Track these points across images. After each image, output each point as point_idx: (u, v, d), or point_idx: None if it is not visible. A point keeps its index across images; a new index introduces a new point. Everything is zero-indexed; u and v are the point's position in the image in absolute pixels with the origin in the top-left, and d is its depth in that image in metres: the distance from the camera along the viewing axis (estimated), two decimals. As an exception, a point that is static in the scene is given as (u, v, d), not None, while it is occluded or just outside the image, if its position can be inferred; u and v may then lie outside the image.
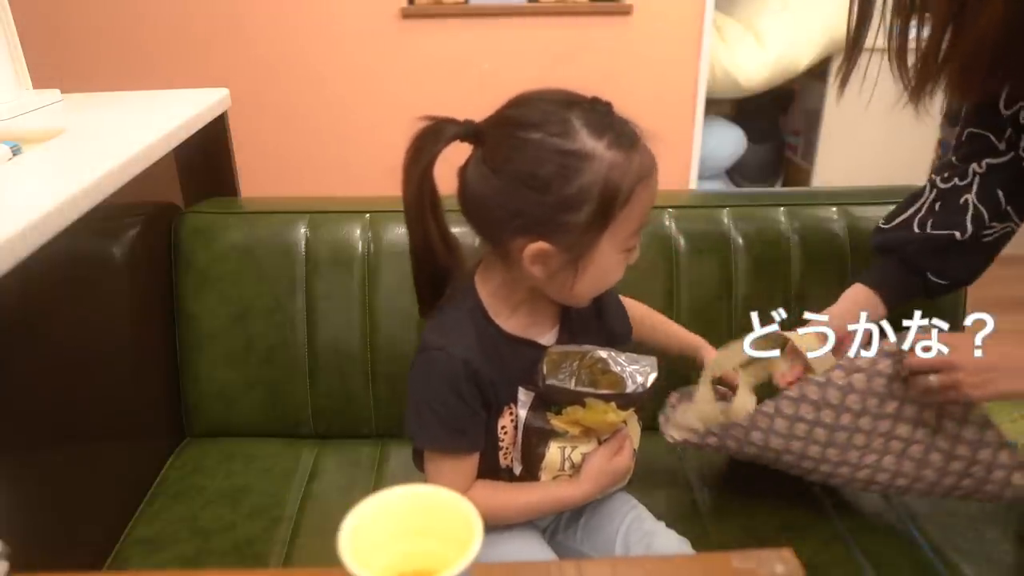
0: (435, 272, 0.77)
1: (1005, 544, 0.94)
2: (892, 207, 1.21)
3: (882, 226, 1.00)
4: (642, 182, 0.69)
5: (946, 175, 0.94)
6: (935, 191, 0.95)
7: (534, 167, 0.67)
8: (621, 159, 0.67)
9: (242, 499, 1.04)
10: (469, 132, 0.70)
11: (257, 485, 1.07)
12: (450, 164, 0.72)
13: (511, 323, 0.79)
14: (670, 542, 0.85)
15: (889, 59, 0.76)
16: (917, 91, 0.75)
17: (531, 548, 0.84)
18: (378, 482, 1.09)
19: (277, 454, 1.13)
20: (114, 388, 1.02)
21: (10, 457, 0.80)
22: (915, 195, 0.98)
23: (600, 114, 0.68)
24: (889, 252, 0.98)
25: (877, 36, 0.77)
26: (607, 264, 0.72)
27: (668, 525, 0.88)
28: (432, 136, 0.69)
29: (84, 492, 0.94)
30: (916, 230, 0.95)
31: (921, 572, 0.91)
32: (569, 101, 0.69)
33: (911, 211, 0.97)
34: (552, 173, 0.66)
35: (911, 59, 0.75)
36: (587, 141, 0.66)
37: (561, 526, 0.91)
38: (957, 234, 0.92)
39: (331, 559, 0.41)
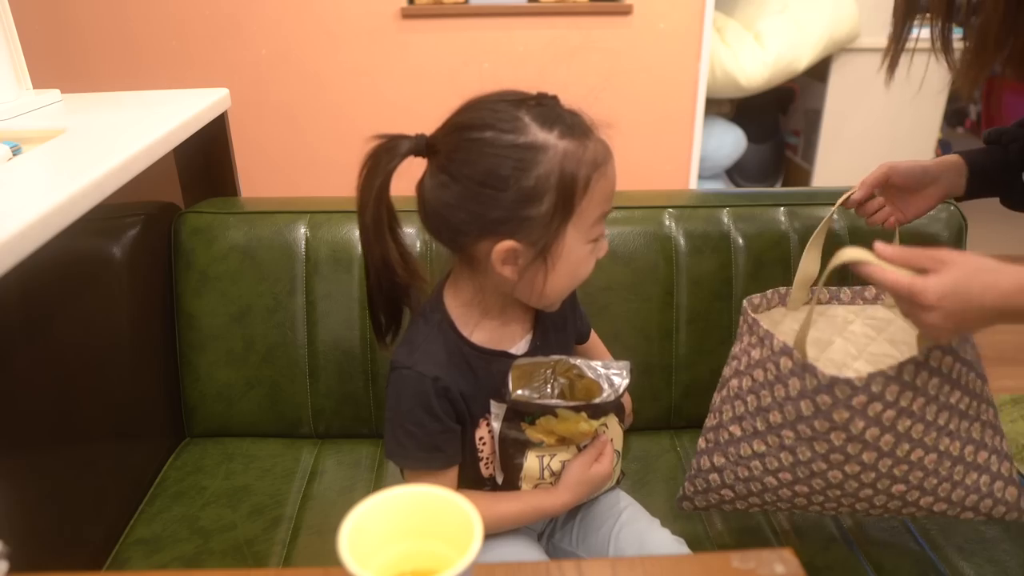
0: (393, 294, 0.77)
1: (1005, 544, 0.94)
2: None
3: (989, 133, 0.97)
4: (598, 169, 0.69)
5: None
6: None
7: (490, 166, 0.67)
8: (574, 148, 0.68)
9: (242, 499, 1.04)
10: (422, 145, 0.70)
11: (257, 485, 1.07)
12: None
13: (481, 335, 0.78)
14: (663, 540, 0.84)
15: (934, 50, 0.75)
16: (970, 77, 0.73)
17: (525, 551, 0.84)
18: (378, 482, 1.09)
19: (277, 454, 1.14)
20: (114, 388, 1.02)
21: (10, 457, 0.80)
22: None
23: (548, 108, 0.69)
24: (997, 142, 0.94)
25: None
26: (576, 257, 0.72)
27: (668, 525, 0.88)
28: (386, 154, 0.69)
29: (84, 492, 0.94)
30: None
31: (921, 572, 0.91)
32: (516, 99, 0.69)
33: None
34: (509, 168, 0.66)
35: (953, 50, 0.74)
36: (538, 134, 0.67)
37: (557, 528, 0.91)
38: None
39: (331, 559, 0.42)
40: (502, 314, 0.79)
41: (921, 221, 1.18)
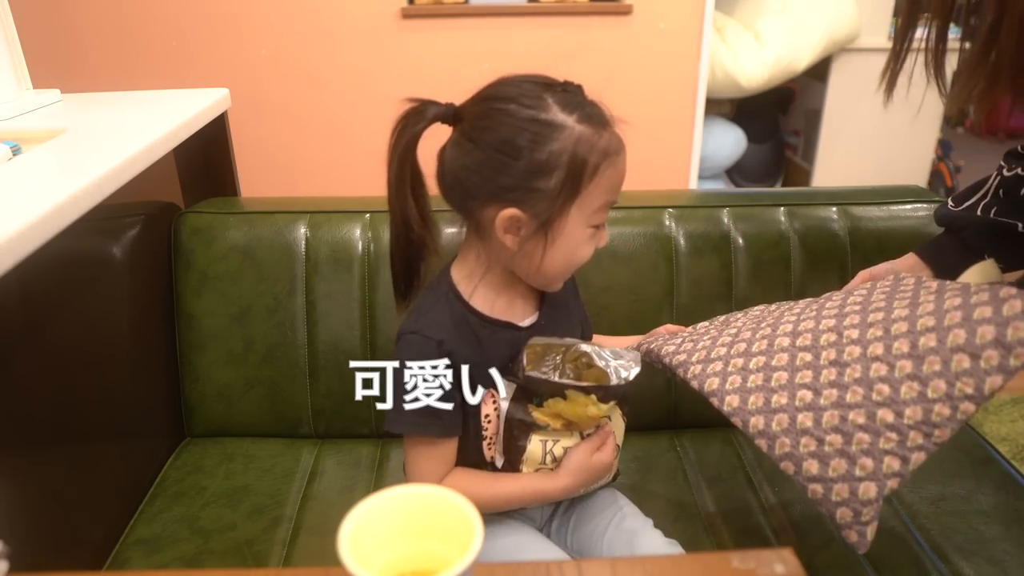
0: (412, 252, 0.79)
1: (1005, 544, 0.94)
2: (892, 207, 1.21)
3: (949, 206, 0.97)
4: (608, 159, 0.73)
5: (1013, 163, 0.90)
6: (999, 178, 0.91)
7: (508, 134, 0.71)
8: (589, 134, 0.71)
9: (242, 499, 1.04)
10: (450, 113, 0.74)
11: (257, 485, 1.07)
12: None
13: (485, 303, 0.80)
14: (654, 542, 0.84)
15: (926, 64, 0.75)
16: (959, 99, 0.73)
17: (530, 543, 0.84)
18: (378, 482, 1.09)
19: (277, 454, 1.14)
20: (114, 388, 1.02)
21: (10, 457, 0.80)
22: (983, 180, 0.94)
23: (572, 94, 0.73)
24: (949, 229, 0.96)
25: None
26: (576, 238, 0.75)
27: (667, 525, 0.88)
28: (415, 116, 0.73)
29: (84, 492, 0.94)
30: (979, 214, 0.92)
31: (921, 572, 0.91)
32: (544, 82, 0.74)
33: (978, 196, 0.94)
34: (525, 140, 0.70)
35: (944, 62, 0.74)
36: (558, 114, 0.71)
37: (553, 521, 0.91)
38: (1019, 225, 0.88)
39: (331, 559, 0.42)
40: (508, 287, 0.81)
41: (919, 221, 1.19)
